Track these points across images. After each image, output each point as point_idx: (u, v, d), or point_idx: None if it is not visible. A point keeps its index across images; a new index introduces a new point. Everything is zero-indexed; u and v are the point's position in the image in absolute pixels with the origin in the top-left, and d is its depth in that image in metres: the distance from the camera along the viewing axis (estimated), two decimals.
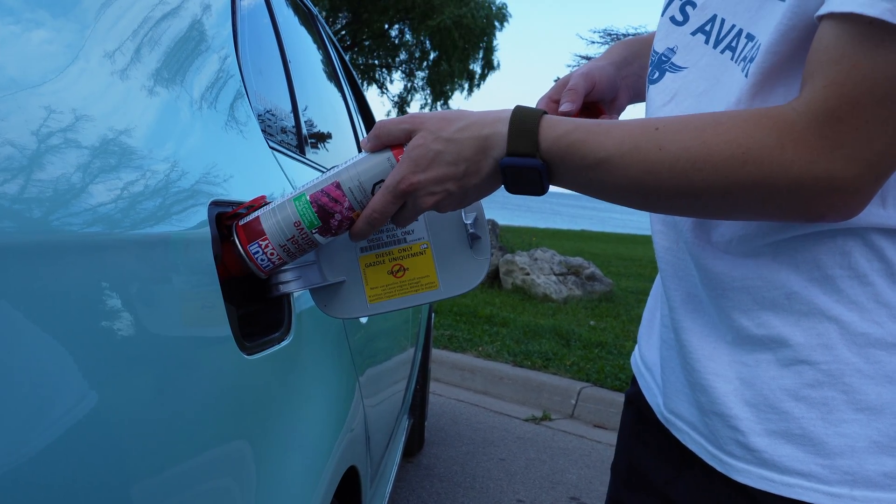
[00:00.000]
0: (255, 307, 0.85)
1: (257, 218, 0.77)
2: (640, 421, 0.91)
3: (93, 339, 0.50)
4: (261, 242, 0.75)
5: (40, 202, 0.48)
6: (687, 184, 0.64)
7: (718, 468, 0.72)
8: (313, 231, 0.75)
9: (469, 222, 0.83)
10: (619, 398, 3.99)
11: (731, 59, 0.71)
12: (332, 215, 0.74)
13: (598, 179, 0.67)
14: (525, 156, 0.67)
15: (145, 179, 0.62)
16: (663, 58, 0.80)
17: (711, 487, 0.74)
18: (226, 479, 0.67)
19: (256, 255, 0.75)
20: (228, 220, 0.77)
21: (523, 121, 0.68)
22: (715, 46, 0.74)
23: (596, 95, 0.91)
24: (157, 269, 0.60)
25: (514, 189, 0.70)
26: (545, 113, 0.69)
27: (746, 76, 0.67)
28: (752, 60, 0.67)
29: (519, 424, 3.86)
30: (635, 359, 0.94)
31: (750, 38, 0.69)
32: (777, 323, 0.68)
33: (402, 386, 2.21)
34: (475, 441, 3.54)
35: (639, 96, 0.97)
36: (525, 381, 4.31)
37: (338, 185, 0.75)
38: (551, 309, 6.17)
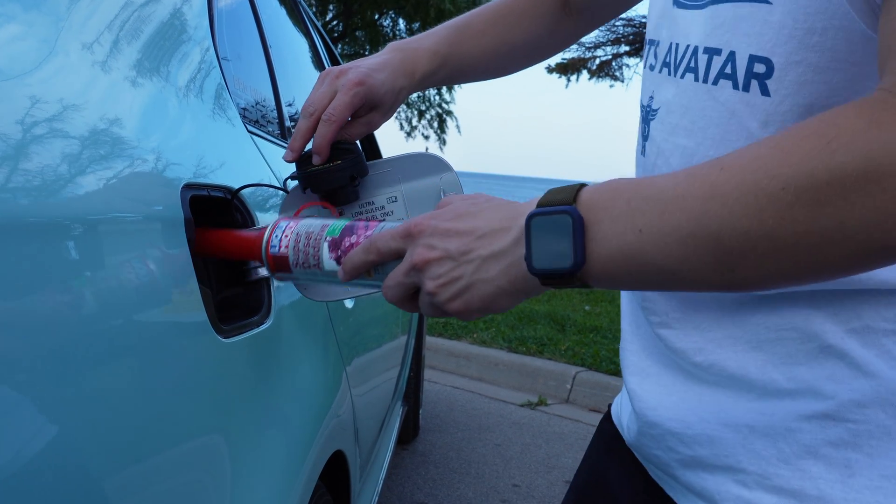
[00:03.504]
0: (234, 291, 0.84)
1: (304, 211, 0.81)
2: (616, 438, 0.84)
3: (64, 323, 0.49)
4: (291, 219, 0.75)
5: (7, 188, 0.47)
6: (762, 204, 0.48)
7: None
8: (326, 238, 0.72)
9: None
10: (615, 382, 4.00)
11: (695, 79, 0.64)
12: (350, 234, 0.71)
13: (650, 230, 0.52)
14: (559, 203, 0.56)
15: (117, 163, 0.61)
16: (645, 110, 0.73)
17: None
18: (197, 458, 0.67)
19: (276, 231, 0.74)
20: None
21: (560, 188, 0.58)
22: (677, 75, 0.66)
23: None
24: (130, 252, 0.59)
25: (537, 264, 0.56)
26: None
27: (740, 89, 0.59)
28: (729, 76, 0.60)
29: (514, 410, 3.87)
30: (615, 408, 0.87)
31: (715, 52, 0.61)
32: (808, 376, 0.61)
33: (395, 373, 2.21)
34: (471, 427, 3.55)
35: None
36: (520, 366, 4.32)
37: (378, 224, 0.72)
38: (546, 294, 6.18)
